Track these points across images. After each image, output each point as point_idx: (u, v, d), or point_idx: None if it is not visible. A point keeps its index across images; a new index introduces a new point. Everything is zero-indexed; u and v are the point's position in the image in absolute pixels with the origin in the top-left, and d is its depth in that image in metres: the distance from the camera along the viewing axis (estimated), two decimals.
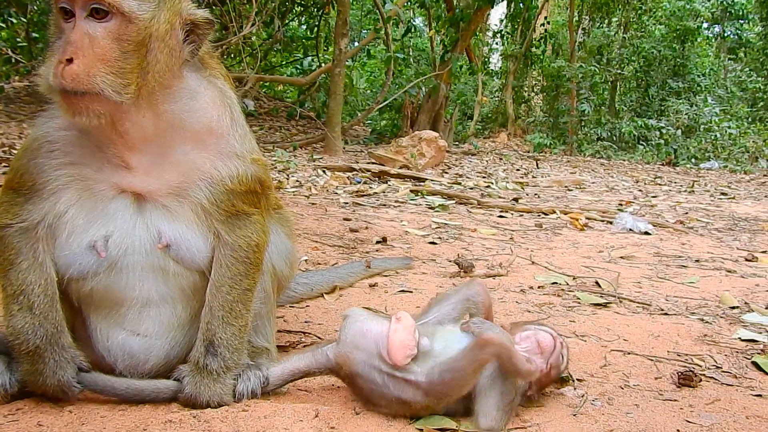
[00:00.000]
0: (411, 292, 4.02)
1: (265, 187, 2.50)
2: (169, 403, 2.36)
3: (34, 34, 19.74)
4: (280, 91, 22.86)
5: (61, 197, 2.27)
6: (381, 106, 17.10)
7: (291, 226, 2.92)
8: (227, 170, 2.33)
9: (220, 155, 2.34)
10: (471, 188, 10.04)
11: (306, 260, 4.60)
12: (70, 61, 2.02)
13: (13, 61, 19.98)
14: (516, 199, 8.65)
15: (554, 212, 7.63)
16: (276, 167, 10.25)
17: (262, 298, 2.64)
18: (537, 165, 16.04)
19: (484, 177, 12.24)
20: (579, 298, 3.98)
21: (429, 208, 7.67)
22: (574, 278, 4.53)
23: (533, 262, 5.01)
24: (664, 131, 22.91)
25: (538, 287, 4.26)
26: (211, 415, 2.27)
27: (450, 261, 4.86)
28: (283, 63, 21.96)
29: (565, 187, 11.57)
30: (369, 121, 20.73)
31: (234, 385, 2.40)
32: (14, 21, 19.47)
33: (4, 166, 7.85)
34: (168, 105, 2.24)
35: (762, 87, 26.77)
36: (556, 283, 4.38)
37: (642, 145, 23.24)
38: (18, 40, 20.46)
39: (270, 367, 2.47)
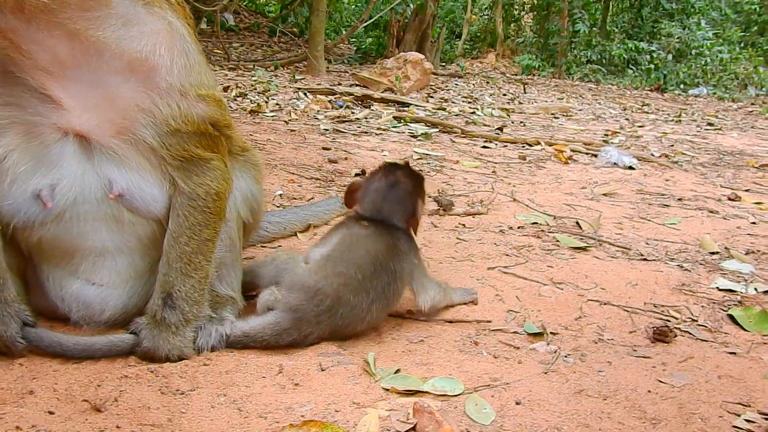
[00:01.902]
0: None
1: (222, 128, 2.29)
2: (126, 356, 2.27)
3: None
4: (262, 4, 21.93)
5: (0, 142, 2.07)
6: (366, 24, 16.48)
7: (259, 167, 2.74)
8: (168, 109, 2.11)
9: (158, 90, 2.10)
10: (456, 115, 9.80)
11: (281, 195, 4.44)
12: None
13: None
14: (501, 129, 8.46)
15: (539, 143, 7.47)
16: (256, 88, 9.90)
17: (228, 246, 2.51)
18: (524, 90, 15.70)
19: (469, 102, 11.97)
20: (558, 241, 3.89)
21: (412, 136, 7.47)
22: (554, 218, 4.43)
23: (515, 199, 4.90)
24: (654, 55, 22.46)
25: (518, 227, 4.17)
26: (169, 370, 2.19)
27: (430, 197, 4.72)
28: None
29: (552, 114, 11.35)
30: (353, 40, 20.02)
31: (194, 338, 2.30)
32: None
33: None
34: (91, 30, 1.98)
35: (757, 9, 26.12)
36: (536, 223, 4.29)
37: (631, 69, 22.82)
38: None
39: (234, 323, 2.37)
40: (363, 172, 5.29)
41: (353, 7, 22.70)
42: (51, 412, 1.93)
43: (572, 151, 7.14)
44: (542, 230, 4.13)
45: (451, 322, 2.72)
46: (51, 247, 2.26)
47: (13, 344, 2.15)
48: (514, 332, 2.65)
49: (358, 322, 2.46)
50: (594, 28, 24.11)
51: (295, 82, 11.29)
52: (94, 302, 2.34)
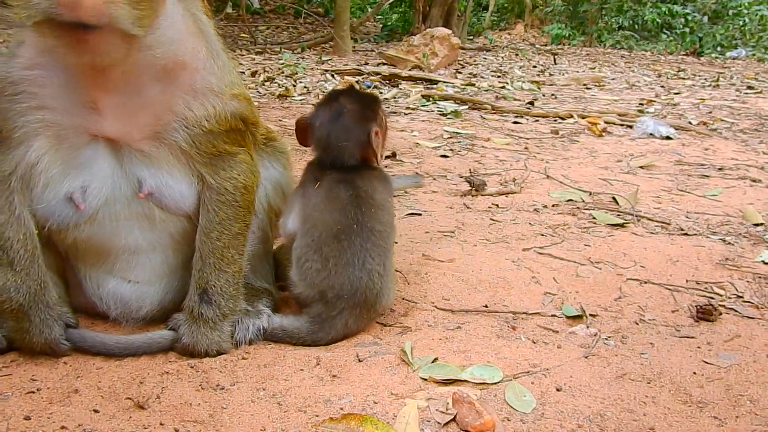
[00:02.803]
0: (420, 214, 3.88)
1: (250, 124, 2.30)
2: (166, 352, 2.29)
3: None
4: None
5: (32, 145, 2.09)
6: (391, 0, 16.30)
7: (287, 154, 2.74)
8: (203, 110, 2.12)
9: (194, 93, 2.12)
10: (485, 90, 9.65)
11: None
12: None
13: None
14: (532, 103, 8.30)
15: (571, 116, 7.31)
16: (283, 72, 9.89)
17: (260, 238, 2.52)
18: (554, 60, 15.37)
19: (498, 76, 11.77)
20: (595, 218, 3.81)
21: (441, 115, 7.38)
22: (590, 194, 4.34)
23: (548, 176, 4.81)
24: (689, 18, 21.76)
25: (553, 205, 4.09)
26: (209, 365, 2.21)
27: (461, 177, 4.67)
28: None
29: (584, 85, 11.09)
30: (379, 17, 19.84)
31: (232, 332, 2.32)
32: None
33: None
34: (149, 38, 1.97)
35: None
36: (571, 200, 4.21)
37: (665, 33, 22.16)
38: None
39: (271, 318, 2.37)
40: (393, 155, 5.26)
41: None
42: (96, 411, 1.97)
43: (606, 123, 6.96)
44: (578, 207, 4.05)
45: (486, 307, 2.68)
46: (86, 248, 2.29)
47: (58, 346, 2.20)
48: (553, 316, 2.61)
49: (370, 296, 2.38)
50: None
51: (322, 64, 11.25)
52: (130, 299, 2.37)
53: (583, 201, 4.19)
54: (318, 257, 2.37)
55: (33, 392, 2.03)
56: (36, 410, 1.94)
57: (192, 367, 2.19)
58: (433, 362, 2.21)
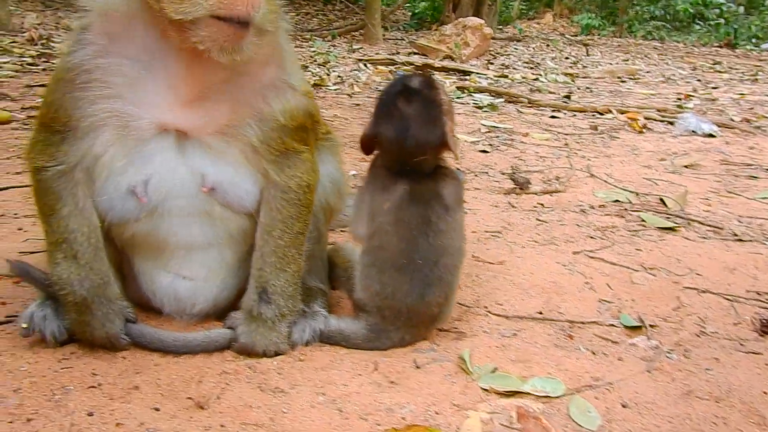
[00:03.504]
0: (465, 212, 3.81)
1: (315, 121, 2.28)
2: (222, 351, 2.28)
3: None
4: None
5: (99, 137, 2.06)
6: None
7: (339, 150, 2.71)
8: (280, 104, 2.10)
9: (273, 88, 2.10)
10: (519, 82, 9.53)
11: (354, 175, 4.40)
12: None
13: None
14: (568, 96, 8.18)
15: (610, 111, 7.19)
16: (315, 60, 9.85)
17: (315, 238, 2.48)
18: (587, 52, 15.15)
19: (531, 67, 11.63)
20: (644, 221, 3.74)
21: (477, 107, 7.30)
22: (636, 194, 4.26)
23: (592, 175, 4.73)
24: (723, 8, 21.31)
25: (599, 206, 4.02)
26: (267, 366, 2.20)
27: (504, 174, 4.62)
28: None
29: (618, 78, 10.93)
30: (408, 5, 19.67)
31: (289, 333, 2.30)
32: None
33: (44, 61, 7.69)
34: None
35: None
36: (617, 200, 4.13)
37: (698, 24, 21.76)
38: None
39: (327, 320, 2.35)
40: None
41: None
42: (156, 409, 1.96)
43: (646, 119, 6.85)
44: (625, 209, 3.98)
45: (541, 314, 2.64)
46: (144, 242, 2.28)
47: (118, 341, 2.19)
48: (610, 325, 2.55)
49: (434, 307, 2.32)
50: None
51: (354, 52, 11.18)
52: (185, 296, 2.35)
53: (630, 202, 4.12)
54: (378, 280, 2.30)
55: (94, 387, 2.03)
56: (98, 406, 1.94)
57: (250, 368, 2.18)
58: (492, 372, 2.18)
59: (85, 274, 2.14)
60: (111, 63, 2.02)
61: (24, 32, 9.15)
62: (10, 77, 6.72)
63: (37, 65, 7.51)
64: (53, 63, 7.67)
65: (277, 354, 2.26)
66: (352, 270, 2.42)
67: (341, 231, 3.49)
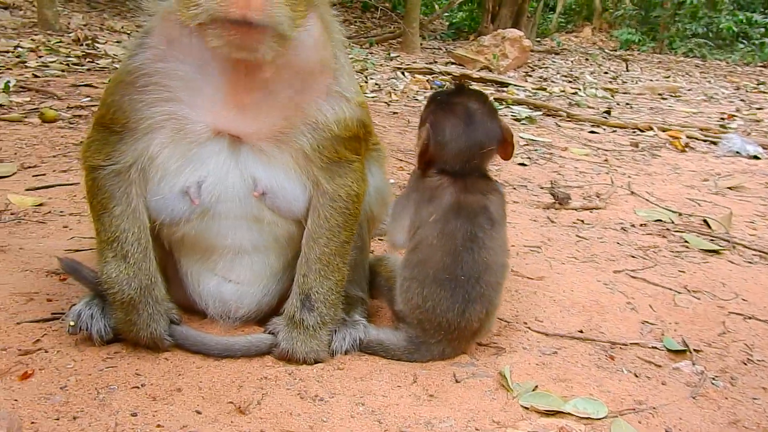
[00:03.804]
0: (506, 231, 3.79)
1: (367, 131, 2.29)
2: (263, 356, 2.29)
3: None
4: None
5: (155, 138, 2.10)
6: None
7: (385, 161, 2.72)
8: (334, 114, 2.12)
9: (328, 97, 2.12)
10: (557, 95, 9.46)
11: (392, 183, 4.41)
12: None
13: None
14: (607, 111, 8.09)
15: (651, 129, 7.09)
16: (353, 67, 9.90)
17: (358, 247, 2.49)
18: (627, 67, 14.98)
19: (570, 81, 11.53)
20: (687, 242, 3.67)
21: (515, 120, 7.26)
22: (679, 214, 4.19)
23: (632, 192, 4.67)
24: None
25: (641, 225, 3.96)
26: (306, 373, 2.20)
27: (542, 188, 4.58)
28: None
29: (659, 94, 10.77)
30: (446, 15, 19.69)
31: (329, 341, 2.30)
32: None
33: (89, 61, 7.85)
34: (294, 39, 1.99)
35: None
36: (659, 220, 4.07)
37: (742, 43, 21.34)
38: None
39: (367, 329, 2.35)
40: None
41: None
42: (198, 412, 1.97)
43: (688, 137, 6.74)
44: (667, 229, 3.91)
45: (581, 332, 2.60)
46: (192, 244, 2.30)
47: (162, 342, 2.22)
48: (653, 348, 2.51)
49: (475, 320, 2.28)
50: None
51: (391, 60, 11.21)
52: (230, 299, 2.37)
53: (673, 222, 4.05)
54: (419, 294, 2.28)
55: (137, 387, 2.05)
56: (141, 407, 1.96)
57: (290, 374, 2.19)
58: (533, 390, 2.15)
59: (134, 274, 2.17)
60: (169, 67, 2.07)
61: (70, 33, 9.37)
62: (57, 76, 6.88)
63: (83, 65, 7.67)
64: (98, 63, 7.84)
65: (316, 362, 2.27)
66: (394, 281, 2.42)
67: (379, 239, 3.50)
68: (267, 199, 2.19)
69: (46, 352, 2.17)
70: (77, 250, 2.89)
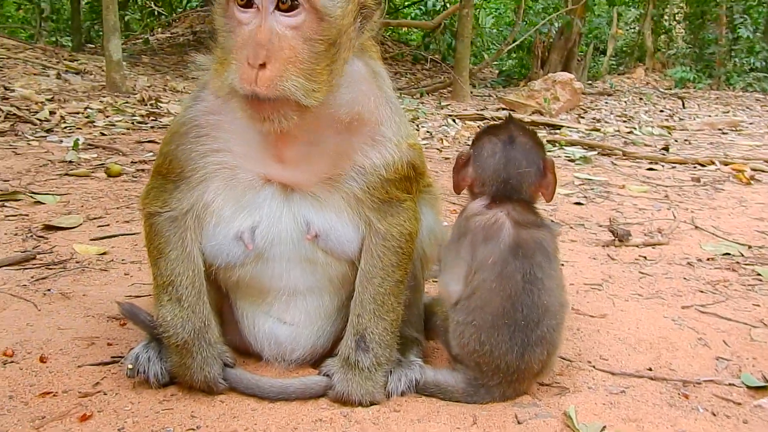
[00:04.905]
0: (562, 264, 3.68)
1: (419, 173, 2.28)
2: (317, 398, 2.25)
3: None
4: (404, 33, 22.42)
5: (209, 186, 2.16)
6: (511, 47, 16.27)
7: (439, 202, 2.69)
8: (382, 159, 2.13)
9: (374, 144, 2.14)
10: (612, 135, 9.31)
11: (445, 225, 4.36)
12: (261, 65, 1.84)
13: (156, 13, 21.09)
14: (665, 148, 7.89)
15: (713, 163, 6.86)
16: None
17: (413, 287, 2.45)
18: (683, 104, 14.68)
19: (624, 121, 11.36)
20: (760, 275, 3.48)
21: (569, 160, 7.15)
22: (749, 247, 3.99)
23: (696, 227, 4.49)
24: None
25: (708, 259, 3.79)
26: (362, 416, 2.14)
27: (601, 226, 4.45)
28: (407, 4, 21.41)
29: (719, 129, 10.47)
30: (496, 62, 19.85)
31: (385, 382, 2.25)
32: None
33: (152, 120, 8.20)
34: (330, 96, 2.02)
35: None
36: (728, 254, 3.88)
37: None
38: None
39: (423, 370, 2.29)
40: None
41: (494, 30, 22.58)
42: None
43: (753, 170, 6.48)
44: (737, 262, 3.72)
45: (650, 370, 2.46)
46: (247, 287, 2.32)
47: (216, 385, 2.21)
48: (730, 384, 2.35)
49: (535, 364, 2.20)
50: (757, 33, 22.17)
51: (442, 109, 11.31)
52: (285, 341, 2.36)
53: (742, 255, 3.86)
54: (476, 339, 2.20)
55: (193, 429, 2.04)
56: None
57: (345, 416, 2.14)
58: (602, 431, 2.03)
59: (188, 317, 2.19)
60: (221, 119, 2.14)
61: (136, 94, 9.85)
62: (122, 134, 7.21)
63: (147, 123, 8.02)
64: (160, 121, 8.18)
65: (372, 403, 2.21)
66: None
67: (433, 281, 3.45)
68: (320, 241, 2.20)
69: (105, 394, 2.19)
70: (137, 296, 2.95)
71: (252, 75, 1.84)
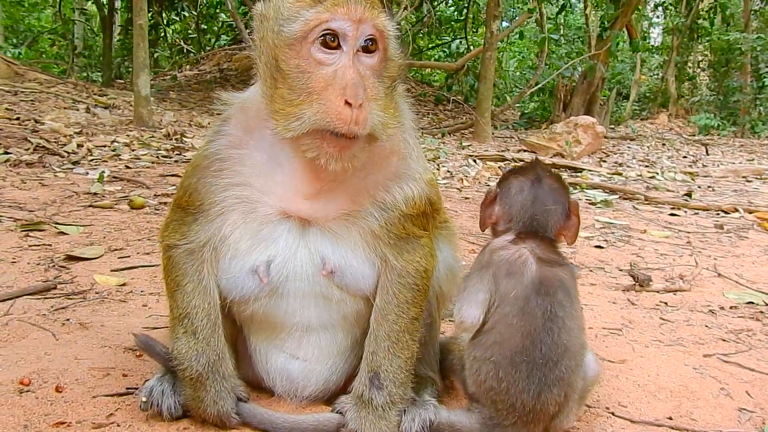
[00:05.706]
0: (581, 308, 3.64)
1: (435, 209, 2.29)
2: None
3: (203, 26, 21.17)
4: (427, 74, 22.72)
5: (227, 219, 2.18)
6: (534, 90, 16.39)
7: (456, 239, 2.69)
8: (402, 194, 2.15)
9: (396, 179, 2.16)
10: (634, 180, 9.27)
11: (463, 264, 4.34)
12: (348, 104, 1.88)
13: (185, 51, 21.64)
14: (688, 194, 7.84)
15: (736, 210, 6.79)
16: (425, 156, 10.09)
17: (428, 324, 2.43)
18: (707, 151, 14.60)
19: (646, 166, 11.32)
20: None
21: (590, 203, 7.12)
22: None
23: (719, 274, 4.42)
24: None
25: (731, 307, 3.72)
26: None
27: (621, 270, 4.40)
28: (431, 46, 21.75)
29: (743, 177, 10.38)
30: (518, 105, 19.99)
31: (399, 421, 2.22)
32: (186, 14, 21.04)
33: (177, 154, 8.34)
34: None
35: None
36: (751, 302, 3.81)
37: None
38: (189, 31, 22.11)
39: (438, 410, 2.25)
40: None
41: (517, 73, 22.78)
42: None
43: None
44: (761, 311, 3.65)
45: (671, 419, 2.41)
46: (261, 321, 2.32)
47: (229, 419, 2.19)
48: None
49: (553, 406, 2.15)
50: None
51: (463, 149, 11.37)
52: (298, 377, 2.35)
53: (767, 304, 3.78)
54: (494, 376, 2.16)
55: None
56: None
57: None
58: None
59: (202, 350, 2.19)
60: (243, 154, 2.16)
61: (162, 128, 10.06)
62: (147, 167, 7.34)
63: (171, 157, 8.16)
64: (185, 155, 8.32)
65: None
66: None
67: (450, 321, 3.42)
68: (335, 277, 2.20)
69: (119, 425, 2.18)
70: (155, 328, 2.96)
71: (350, 114, 1.87)
